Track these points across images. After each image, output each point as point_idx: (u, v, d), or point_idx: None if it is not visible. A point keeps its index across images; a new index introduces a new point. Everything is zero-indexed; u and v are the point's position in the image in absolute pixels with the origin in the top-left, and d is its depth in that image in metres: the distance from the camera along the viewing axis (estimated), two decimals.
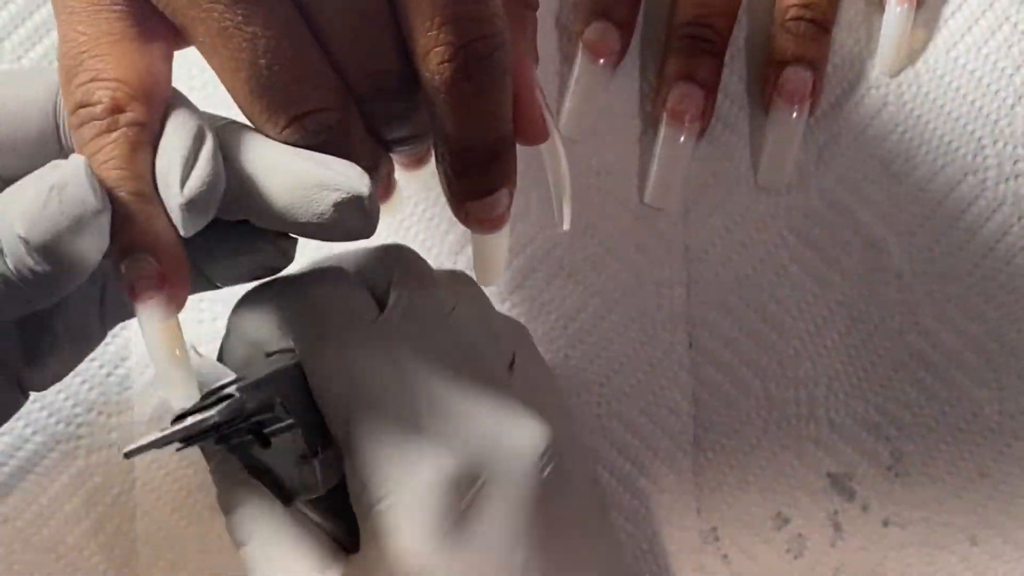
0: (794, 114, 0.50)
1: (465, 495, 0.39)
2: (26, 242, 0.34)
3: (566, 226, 0.42)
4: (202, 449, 0.40)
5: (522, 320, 0.50)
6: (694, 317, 0.51)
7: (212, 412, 0.37)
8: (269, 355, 0.40)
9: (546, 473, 0.40)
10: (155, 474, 0.49)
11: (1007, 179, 0.51)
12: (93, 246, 0.34)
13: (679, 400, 0.50)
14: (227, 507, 0.41)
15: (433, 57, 0.36)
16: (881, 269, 0.51)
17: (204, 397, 0.37)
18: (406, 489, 0.38)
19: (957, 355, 0.51)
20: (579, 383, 0.50)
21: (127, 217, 0.35)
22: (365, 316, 0.40)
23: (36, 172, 0.35)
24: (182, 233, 0.35)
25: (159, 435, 0.37)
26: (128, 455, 0.37)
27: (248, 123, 0.37)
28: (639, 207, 0.51)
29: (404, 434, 0.39)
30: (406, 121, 0.39)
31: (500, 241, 0.40)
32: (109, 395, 0.49)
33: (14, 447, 0.48)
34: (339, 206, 0.36)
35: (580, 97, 0.50)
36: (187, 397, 0.36)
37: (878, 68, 0.51)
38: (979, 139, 0.51)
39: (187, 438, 0.37)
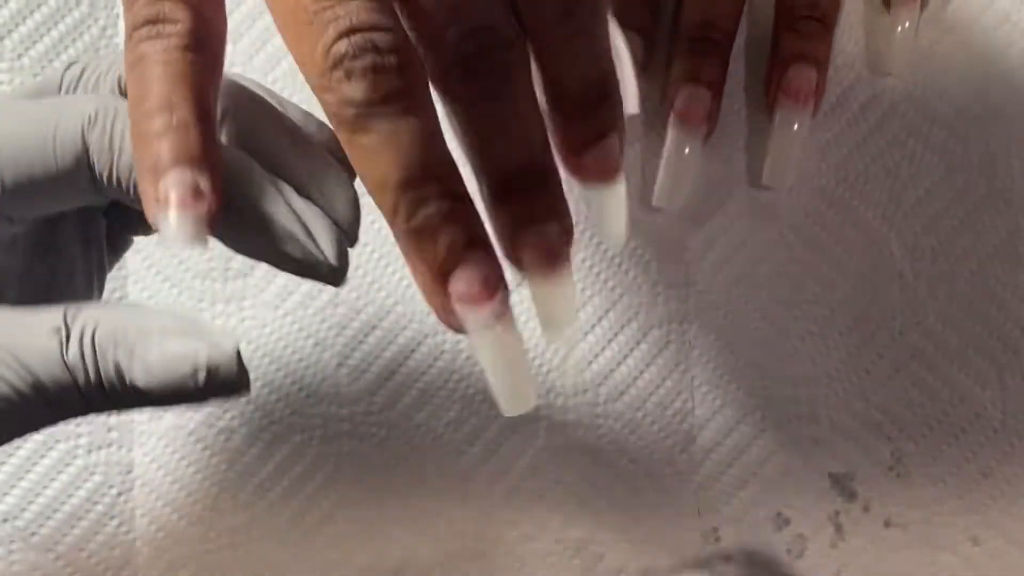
0: (799, 112, 0.50)
1: None
2: (136, 388, 0.34)
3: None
4: None
5: (522, 320, 0.50)
6: (694, 316, 0.51)
7: None
8: None
9: None
10: (155, 474, 0.49)
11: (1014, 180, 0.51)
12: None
13: (678, 399, 0.50)
14: None
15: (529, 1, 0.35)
16: (882, 268, 0.51)
17: None
18: None
19: (959, 355, 0.51)
20: (579, 382, 0.50)
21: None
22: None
23: (170, 337, 0.34)
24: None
25: None
26: None
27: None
28: (639, 207, 0.51)
29: None
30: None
31: (620, 193, 0.38)
32: None
33: (14, 446, 0.48)
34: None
35: (673, 169, 0.50)
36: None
37: (887, 67, 0.51)
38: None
39: None
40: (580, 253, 0.50)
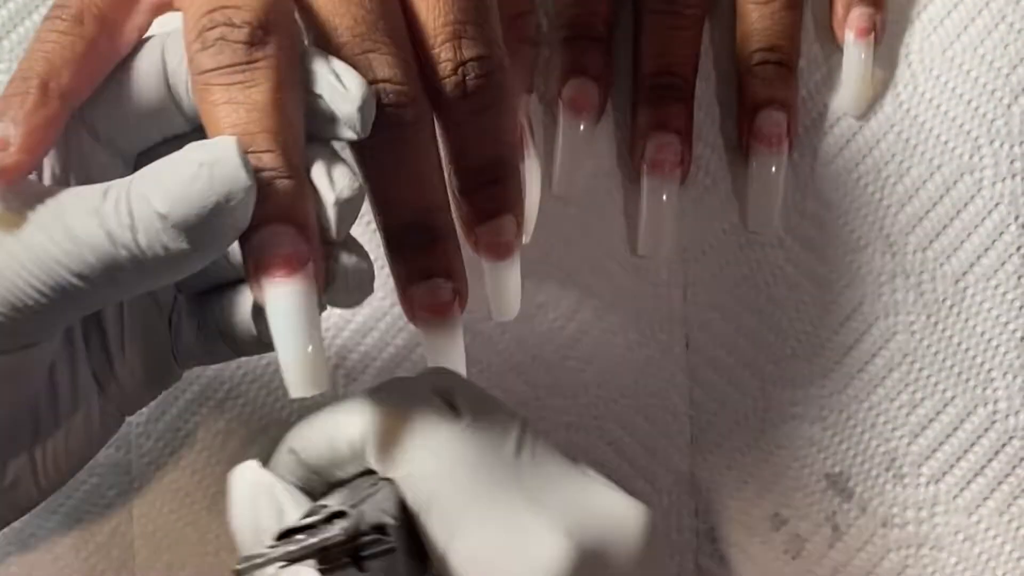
0: (773, 157, 0.50)
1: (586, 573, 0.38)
2: (164, 218, 0.33)
3: (526, 238, 0.44)
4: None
5: (520, 322, 0.50)
6: (691, 318, 0.51)
7: (333, 531, 0.35)
8: (335, 482, 0.39)
9: (650, 549, 0.40)
10: (152, 476, 0.49)
11: (1003, 178, 0.51)
12: (234, 224, 0.34)
13: (676, 401, 0.50)
14: None
15: (437, 71, 0.39)
16: (877, 270, 0.51)
17: (305, 515, 0.36)
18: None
19: (953, 355, 0.51)
20: (576, 384, 0.50)
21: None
22: (449, 422, 0.40)
23: (179, 152, 0.34)
24: (334, 235, 0.36)
25: (275, 551, 0.35)
26: (240, 572, 0.36)
27: None
28: (628, 255, 0.51)
29: (511, 529, 0.38)
30: None
31: (512, 273, 0.42)
32: None
33: None
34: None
35: (567, 156, 0.50)
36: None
37: (842, 109, 0.51)
38: (976, 139, 0.51)
39: (299, 557, 0.35)
40: (579, 254, 0.50)
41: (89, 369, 0.41)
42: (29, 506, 0.40)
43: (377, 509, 0.37)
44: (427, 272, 0.40)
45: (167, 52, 0.38)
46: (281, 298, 0.35)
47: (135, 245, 0.34)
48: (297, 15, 0.38)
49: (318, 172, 0.36)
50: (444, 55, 0.38)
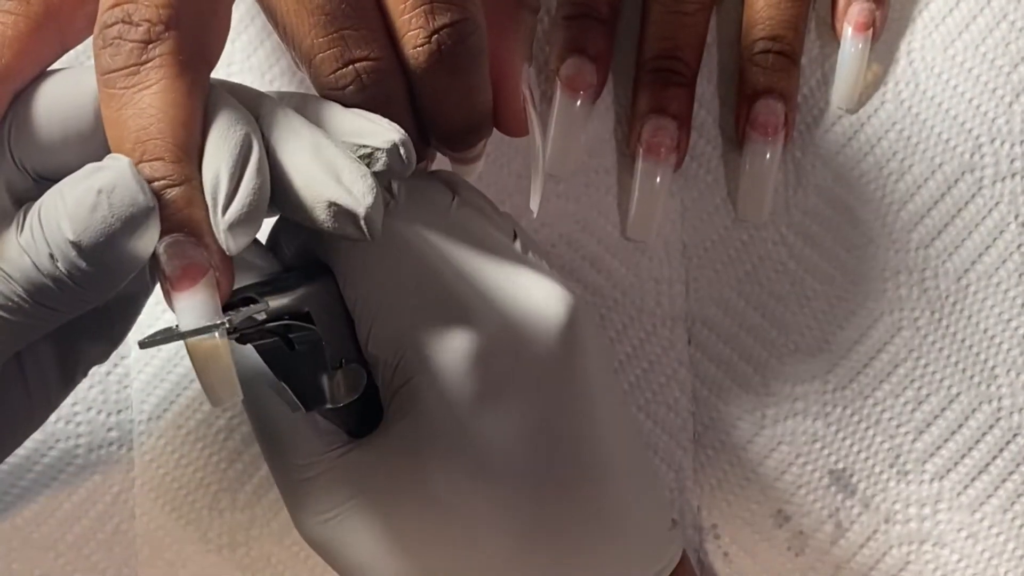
0: (768, 146, 0.50)
1: (495, 364, 0.39)
2: (77, 246, 0.34)
3: (534, 211, 0.45)
4: None
5: None
6: (694, 314, 0.51)
7: (230, 315, 0.36)
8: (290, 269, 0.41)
9: (572, 338, 0.40)
10: (154, 473, 0.49)
11: (1003, 178, 0.51)
12: (144, 243, 0.34)
13: (679, 397, 0.50)
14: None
15: (408, 41, 0.38)
16: (880, 266, 0.51)
17: (234, 293, 0.37)
18: (438, 363, 0.38)
19: (956, 351, 0.51)
20: None
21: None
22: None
23: (76, 174, 0.35)
24: (228, 252, 0.36)
25: (177, 330, 0.36)
26: (143, 344, 0.36)
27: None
28: (617, 239, 0.51)
29: (431, 313, 0.39)
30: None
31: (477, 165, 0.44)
32: (108, 393, 0.49)
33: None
34: (338, 216, 0.36)
35: (561, 133, 0.50)
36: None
37: (835, 103, 0.52)
38: (977, 137, 0.51)
39: (198, 332, 0.36)
40: (581, 250, 0.50)
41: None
42: None
43: (300, 295, 0.38)
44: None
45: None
46: (186, 310, 0.35)
47: (58, 271, 0.34)
48: (257, 2, 0.38)
49: (220, 183, 0.36)
50: (416, 22, 0.38)
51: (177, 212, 0.35)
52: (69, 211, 0.34)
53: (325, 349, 0.39)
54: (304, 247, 0.40)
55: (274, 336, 0.39)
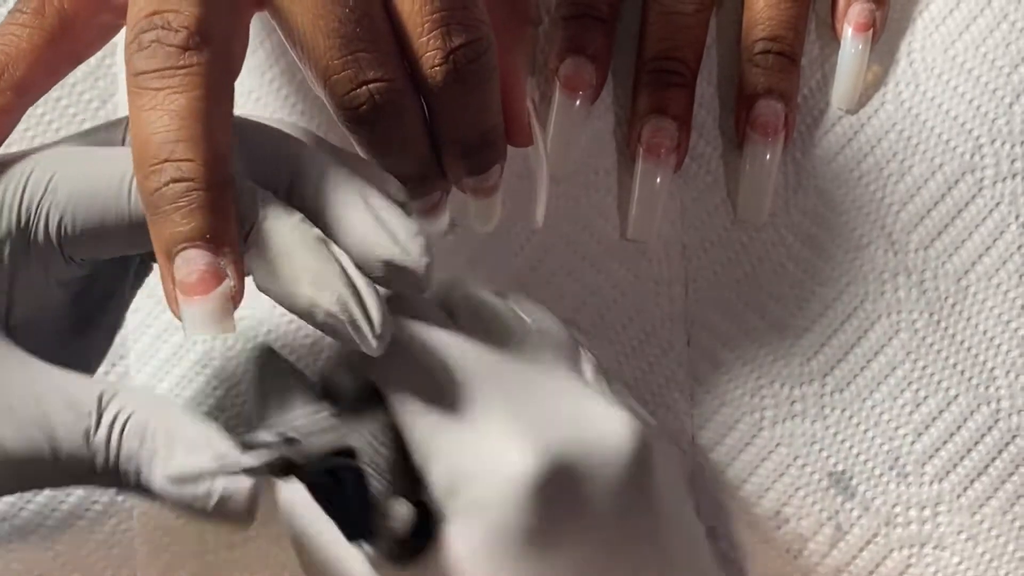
0: (768, 147, 0.50)
1: (555, 497, 0.38)
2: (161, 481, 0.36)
3: (539, 222, 0.47)
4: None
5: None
6: (693, 316, 0.51)
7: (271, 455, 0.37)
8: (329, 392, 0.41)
9: (638, 470, 0.39)
10: None
11: (1004, 178, 0.51)
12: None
13: (677, 399, 0.50)
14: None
15: (425, 62, 0.39)
16: (879, 268, 0.51)
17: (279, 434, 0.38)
18: (493, 497, 0.38)
19: (955, 353, 0.51)
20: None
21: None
22: (438, 322, 0.41)
23: (197, 456, 0.36)
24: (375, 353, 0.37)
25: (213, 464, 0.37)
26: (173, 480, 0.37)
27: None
28: (618, 239, 0.51)
29: (486, 439, 0.38)
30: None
31: (495, 201, 0.44)
32: None
33: None
34: (390, 269, 0.37)
35: (560, 133, 0.50)
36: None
37: (835, 103, 0.52)
38: (977, 138, 0.51)
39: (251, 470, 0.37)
40: (580, 251, 0.50)
41: None
42: None
43: (343, 431, 0.39)
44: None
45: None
46: (196, 316, 0.35)
47: (109, 473, 0.36)
48: (274, 22, 0.38)
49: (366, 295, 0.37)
50: (433, 44, 0.39)
51: (203, 216, 0.35)
52: (167, 477, 0.36)
53: (370, 484, 0.39)
54: (354, 379, 0.41)
55: (322, 471, 0.39)
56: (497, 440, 0.38)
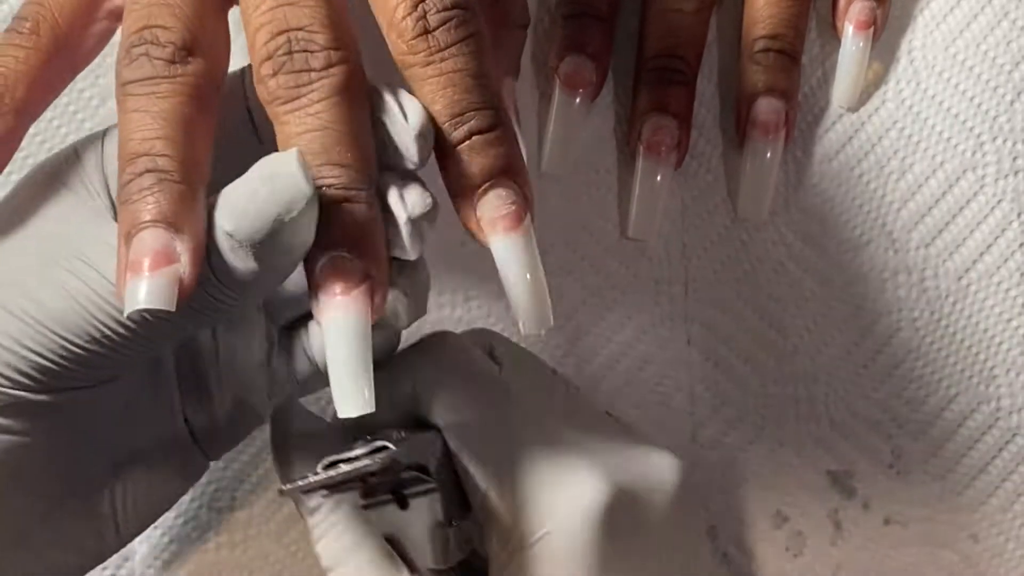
0: (769, 146, 0.50)
1: (621, 521, 0.39)
2: (230, 237, 0.33)
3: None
4: (296, 503, 0.40)
5: None
6: (693, 314, 0.51)
7: (369, 461, 0.36)
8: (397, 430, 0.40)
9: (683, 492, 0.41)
10: None
11: (1006, 175, 0.51)
12: (300, 239, 0.33)
13: (677, 398, 0.50)
14: (335, 561, 0.40)
15: (395, 28, 0.35)
16: (880, 266, 0.51)
17: (352, 446, 0.37)
18: (564, 526, 0.38)
19: (956, 352, 0.51)
20: (577, 381, 0.50)
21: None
22: (490, 372, 0.41)
23: (247, 172, 0.34)
24: (409, 253, 0.36)
25: (316, 477, 0.37)
26: (283, 493, 0.37)
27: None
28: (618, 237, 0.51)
29: (554, 469, 0.39)
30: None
31: (537, 275, 0.37)
32: None
33: None
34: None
35: (560, 131, 0.50)
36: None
37: (835, 101, 0.51)
38: (978, 135, 0.51)
39: (340, 483, 0.37)
40: (580, 250, 0.50)
41: (179, 408, 0.40)
42: (105, 551, 0.40)
43: (420, 450, 0.38)
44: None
45: None
46: (136, 291, 0.33)
47: (207, 267, 0.34)
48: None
49: (392, 196, 0.36)
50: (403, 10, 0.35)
51: (167, 200, 0.34)
52: (231, 202, 0.34)
53: (442, 503, 0.39)
54: (409, 410, 0.40)
55: (388, 495, 0.39)
56: (567, 469, 0.39)
